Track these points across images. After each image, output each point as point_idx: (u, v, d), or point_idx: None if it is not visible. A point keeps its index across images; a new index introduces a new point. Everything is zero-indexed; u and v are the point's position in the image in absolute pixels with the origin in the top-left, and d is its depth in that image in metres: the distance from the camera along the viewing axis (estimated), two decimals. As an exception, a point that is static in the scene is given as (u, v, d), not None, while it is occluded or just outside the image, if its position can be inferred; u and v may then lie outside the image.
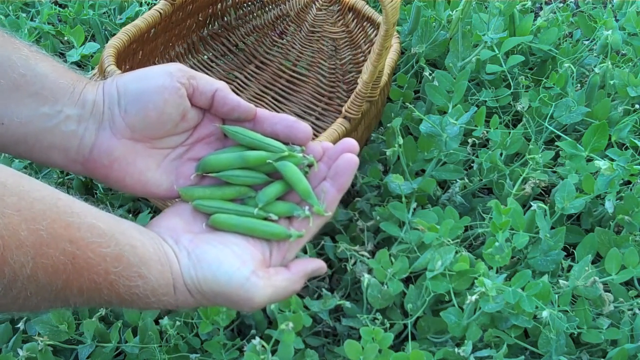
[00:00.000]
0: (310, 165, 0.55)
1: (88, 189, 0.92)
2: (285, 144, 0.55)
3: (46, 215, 0.43)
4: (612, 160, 0.77)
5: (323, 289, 0.80)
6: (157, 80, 0.53)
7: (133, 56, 0.90)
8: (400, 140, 0.82)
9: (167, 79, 0.53)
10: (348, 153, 0.54)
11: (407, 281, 0.82)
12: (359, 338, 0.69)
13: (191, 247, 0.51)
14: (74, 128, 0.52)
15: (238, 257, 0.51)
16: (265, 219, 0.55)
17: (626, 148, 0.91)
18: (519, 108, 0.92)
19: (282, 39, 1.12)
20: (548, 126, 0.90)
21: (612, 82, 0.96)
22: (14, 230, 0.41)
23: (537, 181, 0.83)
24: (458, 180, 0.88)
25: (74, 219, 0.45)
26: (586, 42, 1.08)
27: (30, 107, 0.51)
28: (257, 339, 0.67)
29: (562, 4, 1.18)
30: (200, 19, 1.05)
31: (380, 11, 0.98)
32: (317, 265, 0.57)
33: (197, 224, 0.54)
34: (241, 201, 0.56)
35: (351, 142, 0.55)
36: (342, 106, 0.83)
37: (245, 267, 0.51)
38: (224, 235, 0.53)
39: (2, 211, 0.40)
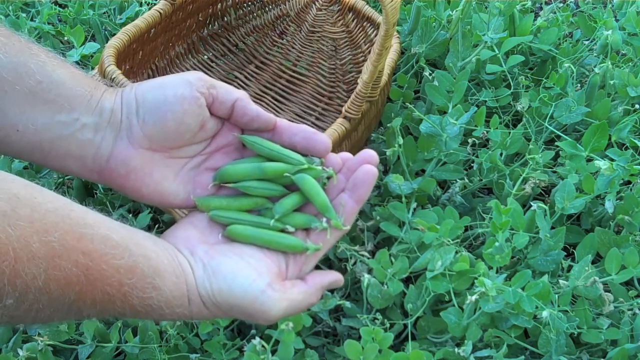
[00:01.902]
0: (329, 178, 0.55)
1: (88, 189, 0.92)
2: (304, 155, 0.55)
3: (59, 227, 0.42)
4: (612, 160, 0.77)
5: (323, 289, 0.80)
6: (177, 90, 0.52)
7: (133, 56, 0.90)
8: (400, 140, 0.82)
9: (187, 88, 0.52)
10: (367, 164, 0.54)
11: (407, 281, 0.82)
12: (359, 338, 0.69)
13: (207, 258, 0.51)
14: (90, 137, 0.52)
15: (254, 270, 0.51)
16: (282, 230, 0.54)
17: (626, 148, 0.91)
18: (519, 108, 0.92)
19: (282, 39, 1.12)
20: (548, 126, 0.90)
21: (612, 82, 0.96)
22: (26, 242, 0.40)
23: (537, 181, 0.83)
24: (458, 180, 0.88)
25: (87, 230, 0.44)
26: (586, 42, 1.08)
27: (46, 115, 0.50)
28: (257, 339, 0.67)
29: (562, 4, 1.18)
30: (200, 19, 1.05)
31: (380, 11, 0.98)
32: (334, 277, 0.56)
33: (213, 235, 0.54)
34: (258, 212, 0.55)
35: (371, 154, 0.54)
36: (342, 106, 0.83)
37: (261, 279, 0.50)
38: (240, 247, 0.53)
39: (14, 223, 0.40)
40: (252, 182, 0.54)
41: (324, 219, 0.54)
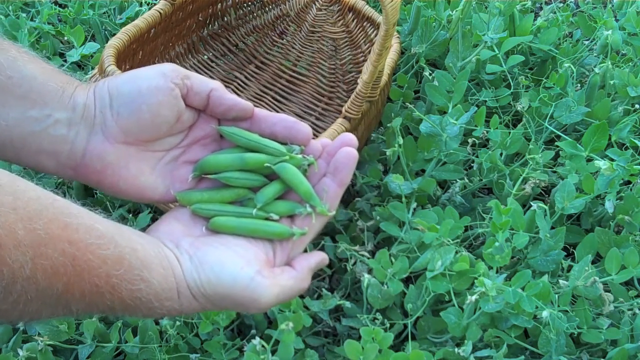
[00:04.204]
0: (309, 164, 0.55)
1: (88, 189, 0.92)
2: (283, 143, 0.55)
3: (43, 215, 0.42)
4: (612, 160, 0.77)
5: (323, 289, 0.80)
6: (151, 81, 0.51)
7: (133, 56, 0.90)
8: (400, 140, 0.82)
9: (161, 79, 0.51)
10: (347, 147, 0.54)
11: (407, 281, 0.82)
12: (359, 338, 0.69)
13: (192, 250, 0.51)
14: (64, 132, 0.51)
15: (241, 258, 0.51)
16: (267, 219, 0.54)
17: (626, 148, 0.91)
18: (519, 108, 0.92)
19: (282, 39, 1.12)
20: (548, 126, 0.90)
21: (612, 82, 0.96)
22: (11, 228, 0.40)
23: (537, 181, 0.83)
24: (458, 180, 0.88)
25: (72, 220, 0.44)
26: (586, 42, 1.08)
27: (18, 110, 0.50)
28: (257, 339, 0.67)
29: (562, 4, 1.18)
30: (200, 19, 1.05)
31: (380, 11, 0.98)
32: (319, 257, 0.56)
33: (197, 228, 0.53)
34: (240, 203, 0.55)
35: (349, 137, 0.54)
36: (342, 106, 0.83)
37: (250, 267, 0.50)
38: (225, 237, 0.53)
39: None
40: (233, 172, 0.54)
41: (307, 204, 0.54)
